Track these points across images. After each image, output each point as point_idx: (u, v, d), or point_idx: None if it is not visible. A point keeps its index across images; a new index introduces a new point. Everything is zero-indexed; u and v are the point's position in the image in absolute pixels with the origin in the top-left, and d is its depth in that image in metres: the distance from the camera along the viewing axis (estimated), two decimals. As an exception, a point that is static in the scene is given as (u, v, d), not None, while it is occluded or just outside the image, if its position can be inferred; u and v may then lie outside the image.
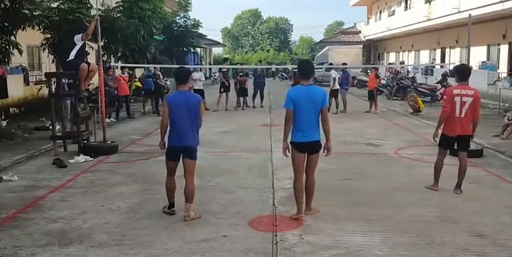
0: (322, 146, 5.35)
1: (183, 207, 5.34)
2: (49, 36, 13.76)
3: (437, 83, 19.28)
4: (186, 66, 19.22)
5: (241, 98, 17.21)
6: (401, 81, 20.33)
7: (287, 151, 5.32)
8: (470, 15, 10.20)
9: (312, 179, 5.40)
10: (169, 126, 5.35)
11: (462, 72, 6.44)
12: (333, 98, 15.23)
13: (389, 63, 33.25)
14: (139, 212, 5.60)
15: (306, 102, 5.17)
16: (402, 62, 31.02)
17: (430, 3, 26.73)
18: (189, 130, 5.30)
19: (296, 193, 5.39)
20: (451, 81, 19.41)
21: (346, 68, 17.12)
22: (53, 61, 14.93)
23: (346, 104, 15.72)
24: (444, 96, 6.38)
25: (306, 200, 5.41)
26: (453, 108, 6.10)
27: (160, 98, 15.17)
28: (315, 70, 5.71)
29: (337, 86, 15.37)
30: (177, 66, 13.79)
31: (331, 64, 24.60)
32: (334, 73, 15.84)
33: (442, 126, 6.33)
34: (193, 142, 5.34)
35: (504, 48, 21.21)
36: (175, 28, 27.49)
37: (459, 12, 21.44)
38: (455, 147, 6.40)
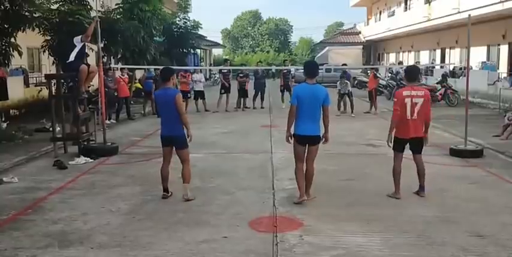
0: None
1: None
2: (49, 38, 13.77)
3: (437, 83, 19.28)
4: (186, 67, 19.26)
5: (241, 99, 17.21)
6: (402, 82, 20.32)
7: (289, 138, 5.90)
8: (469, 15, 10.18)
9: (311, 168, 5.89)
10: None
11: (411, 73, 6.34)
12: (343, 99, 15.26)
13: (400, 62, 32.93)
14: (140, 213, 5.60)
15: (310, 99, 5.69)
16: (400, 62, 30.98)
17: (429, 4, 26.73)
18: (171, 121, 6.02)
19: (297, 179, 5.89)
20: (451, 81, 19.47)
21: (346, 68, 17.10)
22: (53, 63, 14.94)
23: (353, 106, 15.53)
24: (394, 99, 6.17)
25: (306, 186, 5.84)
26: (404, 110, 5.95)
27: None
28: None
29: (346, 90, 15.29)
30: (179, 67, 13.98)
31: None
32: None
33: (394, 130, 6.10)
34: (178, 132, 6.04)
35: (504, 48, 21.22)
36: (175, 29, 27.48)
37: (459, 12, 21.44)
38: (410, 149, 6.16)
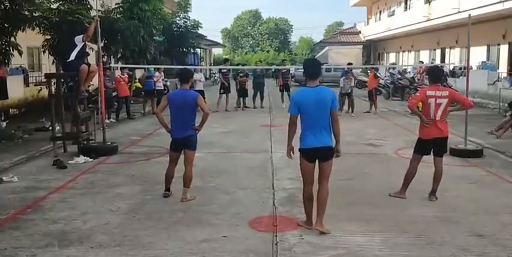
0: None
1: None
2: (49, 37, 13.77)
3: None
4: (187, 67, 19.31)
5: (241, 99, 17.21)
6: (399, 81, 20.37)
7: (291, 152, 5.01)
8: (470, 15, 10.18)
9: (325, 189, 4.93)
10: (170, 120, 6.02)
11: (433, 73, 6.28)
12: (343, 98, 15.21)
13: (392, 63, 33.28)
14: (140, 212, 5.60)
15: (315, 105, 4.78)
16: (394, 63, 31.33)
17: (429, 4, 26.74)
18: (186, 124, 5.92)
19: (305, 202, 5.03)
20: (451, 81, 19.46)
21: (346, 67, 17.07)
22: (53, 62, 14.94)
23: (354, 106, 15.52)
24: (417, 94, 6.37)
25: (317, 213, 4.92)
26: (428, 110, 5.94)
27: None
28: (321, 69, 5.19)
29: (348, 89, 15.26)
30: (179, 67, 14.04)
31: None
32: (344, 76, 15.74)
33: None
34: (190, 132, 5.96)
35: (504, 48, 21.23)
36: (175, 29, 27.53)
37: (459, 12, 21.46)
38: (432, 152, 6.11)
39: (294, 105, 4.87)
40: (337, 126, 4.94)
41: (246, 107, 17.24)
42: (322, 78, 28.05)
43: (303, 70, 5.12)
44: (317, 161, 4.91)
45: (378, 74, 17.20)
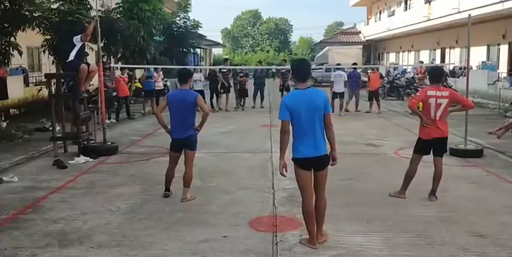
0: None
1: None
2: (49, 37, 13.78)
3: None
4: (186, 67, 19.32)
5: (241, 99, 17.21)
6: (395, 81, 20.38)
7: (285, 169, 4.47)
8: (470, 15, 10.18)
9: (323, 200, 4.61)
10: (170, 121, 6.01)
11: (434, 73, 6.31)
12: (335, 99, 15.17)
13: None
14: (140, 213, 5.60)
15: (306, 109, 4.37)
16: (395, 64, 31.50)
17: (429, 4, 26.74)
18: (186, 124, 5.92)
19: (306, 217, 4.54)
20: (451, 81, 19.45)
21: (347, 68, 17.06)
22: (53, 62, 14.94)
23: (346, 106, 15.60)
24: (418, 93, 6.42)
25: (317, 226, 4.61)
26: (428, 110, 5.93)
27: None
28: (312, 70, 4.91)
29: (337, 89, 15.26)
30: (179, 67, 14.04)
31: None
32: (333, 75, 15.73)
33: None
34: (190, 132, 5.95)
35: (504, 48, 21.23)
36: (175, 29, 27.52)
37: (459, 12, 21.46)
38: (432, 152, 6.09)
39: (284, 110, 4.37)
40: (331, 132, 4.53)
41: (245, 106, 17.23)
42: (322, 78, 28.11)
43: (291, 72, 4.69)
44: (312, 169, 4.54)
45: (382, 74, 17.21)
